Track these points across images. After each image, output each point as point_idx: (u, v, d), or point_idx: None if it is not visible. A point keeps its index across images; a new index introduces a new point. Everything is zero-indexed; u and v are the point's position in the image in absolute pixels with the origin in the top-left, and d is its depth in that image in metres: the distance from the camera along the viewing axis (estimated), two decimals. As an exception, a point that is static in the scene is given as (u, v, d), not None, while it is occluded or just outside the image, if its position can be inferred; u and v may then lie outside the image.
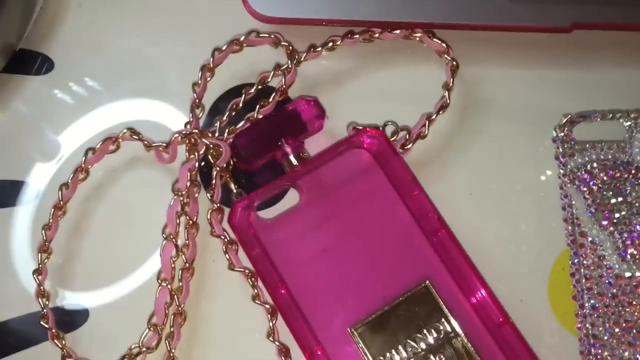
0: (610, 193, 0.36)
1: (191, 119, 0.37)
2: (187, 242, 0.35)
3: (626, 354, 0.34)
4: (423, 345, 0.34)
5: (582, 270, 0.35)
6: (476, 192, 0.38)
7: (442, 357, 0.33)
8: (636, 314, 0.35)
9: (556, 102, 0.39)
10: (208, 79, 0.38)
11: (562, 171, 0.36)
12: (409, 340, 0.34)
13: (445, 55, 0.38)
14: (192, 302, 0.36)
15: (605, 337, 0.34)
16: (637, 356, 0.34)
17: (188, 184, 0.35)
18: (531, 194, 0.38)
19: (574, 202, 0.36)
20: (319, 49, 0.39)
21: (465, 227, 0.37)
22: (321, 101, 0.39)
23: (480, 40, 0.40)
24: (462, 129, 0.40)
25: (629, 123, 0.37)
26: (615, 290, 0.35)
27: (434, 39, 0.39)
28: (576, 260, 0.35)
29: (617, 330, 0.34)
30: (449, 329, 0.34)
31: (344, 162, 0.37)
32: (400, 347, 0.34)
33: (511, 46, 0.40)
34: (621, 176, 0.36)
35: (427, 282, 0.34)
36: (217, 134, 0.37)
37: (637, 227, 0.35)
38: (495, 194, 0.38)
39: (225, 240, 0.35)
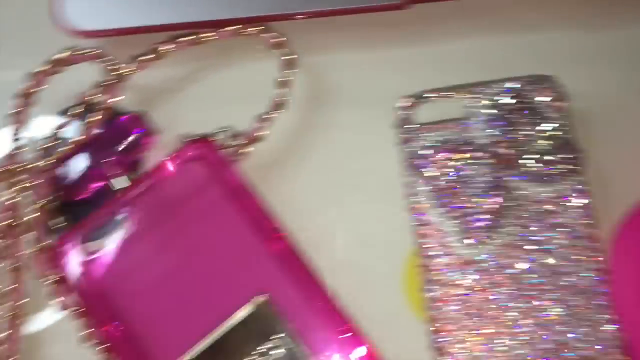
0: (449, 176, 0.34)
1: (10, 152, 0.35)
2: (15, 285, 0.34)
3: (474, 340, 0.32)
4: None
5: (427, 260, 0.33)
6: (329, 188, 0.37)
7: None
8: (482, 300, 0.33)
9: (405, 83, 0.37)
10: (26, 106, 0.36)
11: (403, 157, 0.34)
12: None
13: (281, 49, 0.36)
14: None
15: (453, 327, 0.32)
16: (486, 344, 0.32)
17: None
18: (385, 184, 0.36)
19: (414, 189, 0.34)
20: (142, 58, 0.36)
21: (318, 227, 0.36)
22: (160, 111, 0.37)
23: (319, 27, 0.38)
24: (310, 123, 0.38)
25: (467, 99, 0.34)
26: (460, 277, 0.33)
27: (267, 33, 0.36)
28: (422, 250, 0.33)
29: (465, 319, 0.33)
30: (290, 343, 0.32)
31: (177, 177, 0.35)
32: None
33: (352, 29, 0.38)
34: (461, 157, 0.34)
35: (266, 296, 0.33)
36: (39, 163, 0.35)
37: (478, 210, 0.33)
38: (349, 188, 0.37)
39: (53, 280, 0.33)
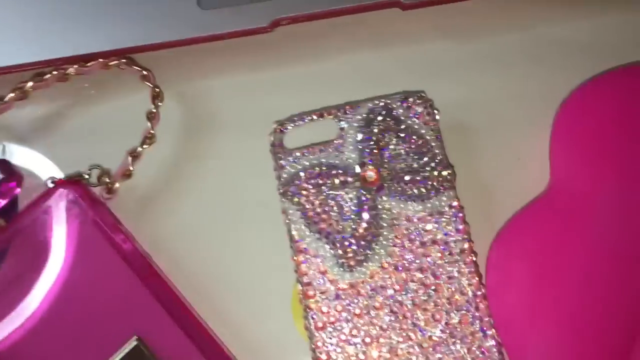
0: (319, 201, 0.33)
1: None
2: None
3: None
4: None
5: (305, 287, 0.33)
6: (212, 217, 0.36)
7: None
8: (362, 324, 0.33)
9: (282, 104, 0.37)
10: None
11: (278, 187, 0.34)
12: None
13: (147, 82, 0.35)
14: None
15: (334, 353, 0.32)
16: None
17: None
18: (267, 211, 0.35)
19: (289, 216, 0.33)
20: (7, 98, 0.35)
21: (202, 258, 0.35)
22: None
23: (190, 55, 0.37)
24: (186, 153, 0.37)
25: (339, 119, 0.34)
26: (338, 302, 0.33)
27: (134, 67, 0.36)
28: (300, 276, 0.33)
29: (345, 344, 0.32)
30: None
31: (47, 219, 0.34)
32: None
33: (224, 55, 0.37)
34: (330, 181, 0.33)
35: (138, 338, 0.32)
36: None
37: (351, 234, 0.33)
38: (232, 217, 0.36)
39: None
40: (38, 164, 0.37)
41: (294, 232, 0.33)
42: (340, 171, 0.33)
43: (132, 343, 0.32)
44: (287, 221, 0.34)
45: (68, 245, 0.34)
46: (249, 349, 0.34)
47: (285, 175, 0.34)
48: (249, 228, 0.36)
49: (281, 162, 0.34)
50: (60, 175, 0.35)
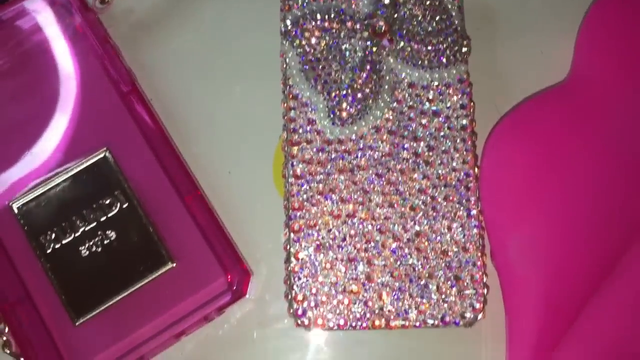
0: (322, 47, 0.31)
1: None
2: None
3: (326, 220, 0.30)
4: (94, 221, 0.30)
5: (291, 134, 0.31)
6: (207, 55, 0.34)
7: (111, 232, 0.30)
8: (342, 181, 0.31)
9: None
10: None
11: (282, 28, 0.32)
12: (79, 216, 0.30)
13: None
14: None
15: (308, 205, 0.31)
16: (338, 229, 0.30)
17: None
18: (266, 58, 0.34)
19: (287, 59, 0.32)
20: None
21: (190, 93, 0.34)
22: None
23: None
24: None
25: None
26: (322, 155, 0.31)
27: None
28: (288, 124, 0.31)
29: (321, 198, 0.31)
30: (125, 201, 0.30)
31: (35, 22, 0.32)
32: (68, 225, 0.30)
33: None
34: (337, 26, 0.31)
35: (107, 150, 0.30)
36: None
37: (348, 86, 0.31)
38: (228, 58, 0.34)
39: None
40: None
41: (288, 76, 0.31)
42: (349, 17, 0.31)
43: (102, 153, 0.30)
44: (284, 65, 0.32)
45: (54, 49, 0.32)
46: (222, 195, 0.33)
47: (290, 17, 0.32)
48: (245, 72, 0.34)
49: (289, 2, 0.32)
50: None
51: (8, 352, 0.29)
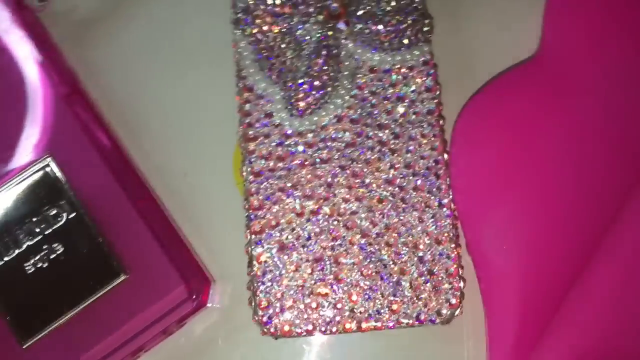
0: (275, 35, 0.29)
1: None
2: None
3: (289, 219, 0.28)
4: (39, 235, 0.28)
5: (247, 129, 0.29)
6: (155, 50, 0.32)
7: (58, 245, 0.28)
8: (304, 176, 0.29)
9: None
10: None
11: (232, 17, 0.30)
12: (23, 230, 0.28)
13: None
14: None
15: (268, 203, 0.29)
16: (302, 227, 0.28)
17: None
18: (216, 48, 0.32)
19: (239, 49, 0.30)
20: None
21: (137, 92, 0.32)
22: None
23: None
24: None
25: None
26: (281, 149, 0.29)
27: None
28: (243, 119, 0.29)
29: (282, 195, 0.29)
30: (72, 211, 0.28)
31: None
32: (10, 240, 0.28)
33: None
34: (289, 11, 0.29)
35: (50, 157, 0.28)
36: None
37: (304, 74, 0.29)
38: (177, 51, 0.32)
39: None
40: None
41: (242, 67, 0.29)
42: (302, 0, 0.29)
43: (44, 161, 0.28)
44: (236, 55, 0.30)
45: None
46: (179, 198, 0.31)
47: (240, 4, 0.30)
48: (198, 65, 0.32)
49: (241, -13, 0.30)
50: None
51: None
